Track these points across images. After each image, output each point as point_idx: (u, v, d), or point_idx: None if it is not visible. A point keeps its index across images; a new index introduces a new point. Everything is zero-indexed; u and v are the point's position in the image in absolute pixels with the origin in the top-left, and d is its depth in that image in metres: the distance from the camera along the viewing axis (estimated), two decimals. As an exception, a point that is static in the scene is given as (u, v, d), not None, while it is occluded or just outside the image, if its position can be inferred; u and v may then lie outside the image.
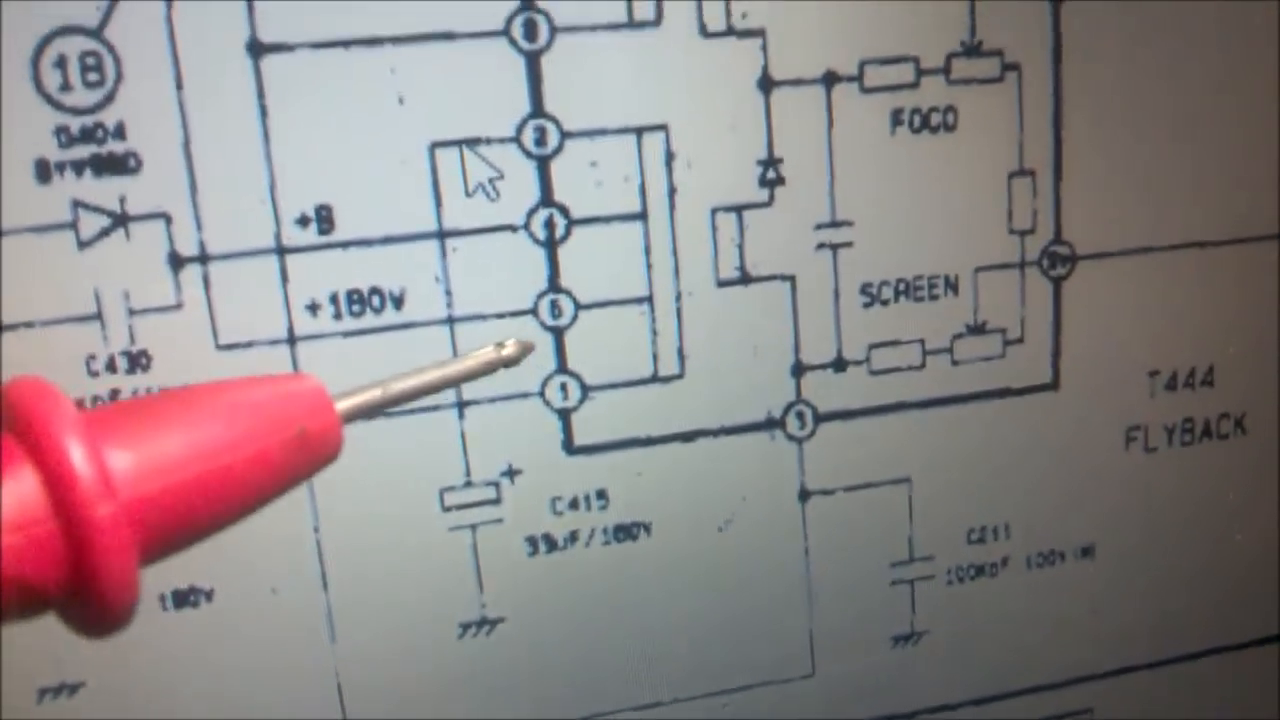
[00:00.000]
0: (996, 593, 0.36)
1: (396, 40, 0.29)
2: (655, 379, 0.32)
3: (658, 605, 0.34)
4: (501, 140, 0.30)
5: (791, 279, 0.33)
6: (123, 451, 0.15)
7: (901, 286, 0.33)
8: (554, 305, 0.31)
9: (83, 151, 0.28)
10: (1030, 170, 0.33)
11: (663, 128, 0.31)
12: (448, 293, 0.30)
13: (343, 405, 0.18)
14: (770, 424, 0.33)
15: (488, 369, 0.21)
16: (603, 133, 0.31)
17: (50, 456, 0.15)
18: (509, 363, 0.21)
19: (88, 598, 0.15)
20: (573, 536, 0.33)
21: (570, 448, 0.32)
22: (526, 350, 0.21)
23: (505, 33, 0.30)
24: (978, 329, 0.34)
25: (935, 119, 0.33)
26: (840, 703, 0.36)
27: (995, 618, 0.36)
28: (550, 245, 0.31)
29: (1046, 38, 0.33)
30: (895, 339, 0.34)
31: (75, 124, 0.28)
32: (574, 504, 0.33)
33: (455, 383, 0.20)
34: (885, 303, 0.33)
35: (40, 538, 0.15)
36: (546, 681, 0.33)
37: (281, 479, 0.17)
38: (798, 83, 0.32)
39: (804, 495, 0.34)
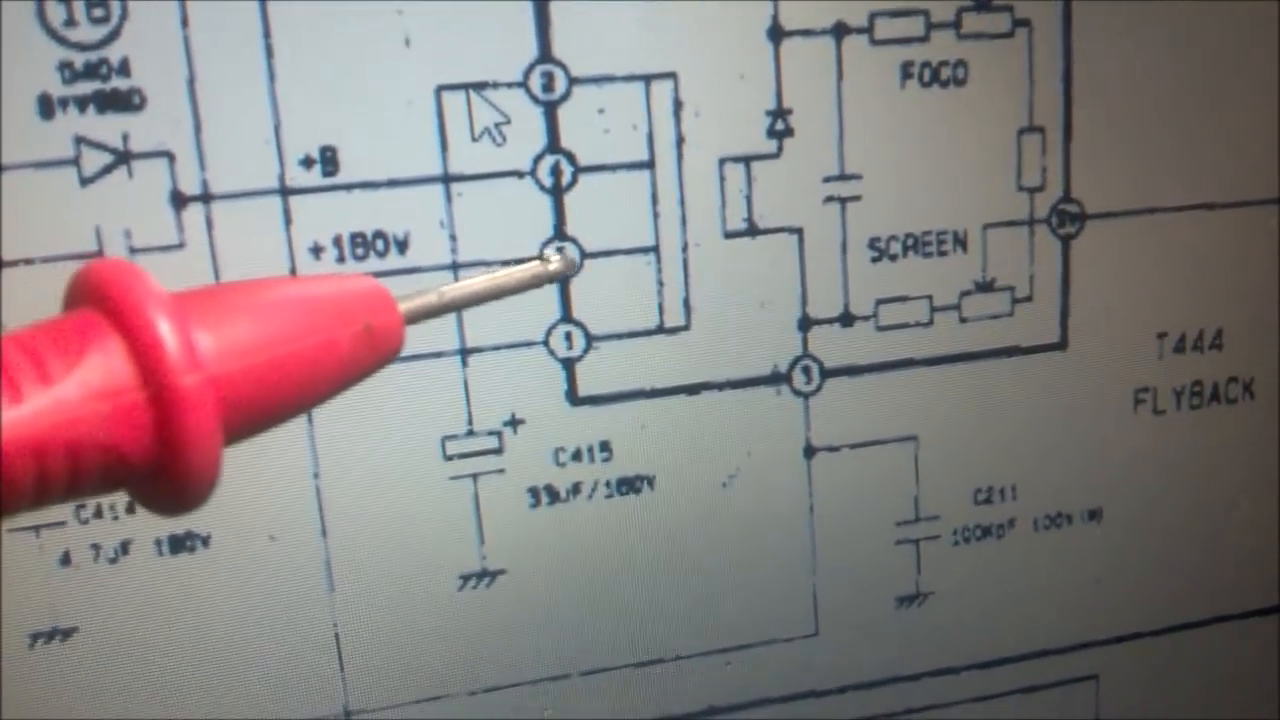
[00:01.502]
0: (1002, 555, 0.36)
1: (404, -20, 0.29)
2: (661, 330, 0.32)
3: (660, 560, 0.33)
4: (509, 85, 0.30)
5: (799, 231, 0.32)
6: (206, 331, 0.16)
7: (910, 241, 0.33)
8: (560, 253, 0.31)
9: (86, 88, 0.28)
10: (1040, 127, 0.33)
11: (671, 76, 0.31)
12: (452, 238, 0.30)
13: (405, 306, 0.18)
14: (776, 378, 0.33)
15: (535, 282, 0.21)
16: (611, 80, 0.30)
17: (138, 327, 0.15)
18: (554, 278, 0.21)
19: (172, 470, 0.15)
20: (575, 488, 0.32)
21: (574, 398, 0.32)
22: (570, 266, 0.21)
23: (514, -25, 0.29)
24: (986, 286, 0.34)
25: (945, 73, 0.32)
26: (844, 663, 0.35)
27: (1001, 580, 0.36)
28: (556, 192, 0.31)
29: (1058, -6, 0.33)
30: (903, 294, 0.33)
31: (79, 59, 0.28)
32: (577, 455, 0.32)
33: (504, 294, 0.20)
34: (893, 258, 0.33)
35: (128, 407, 0.15)
36: (546, 635, 0.33)
37: (349, 370, 0.17)
38: (808, 33, 0.31)
39: (809, 451, 0.34)
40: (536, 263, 0.21)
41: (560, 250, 0.22)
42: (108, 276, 0.15)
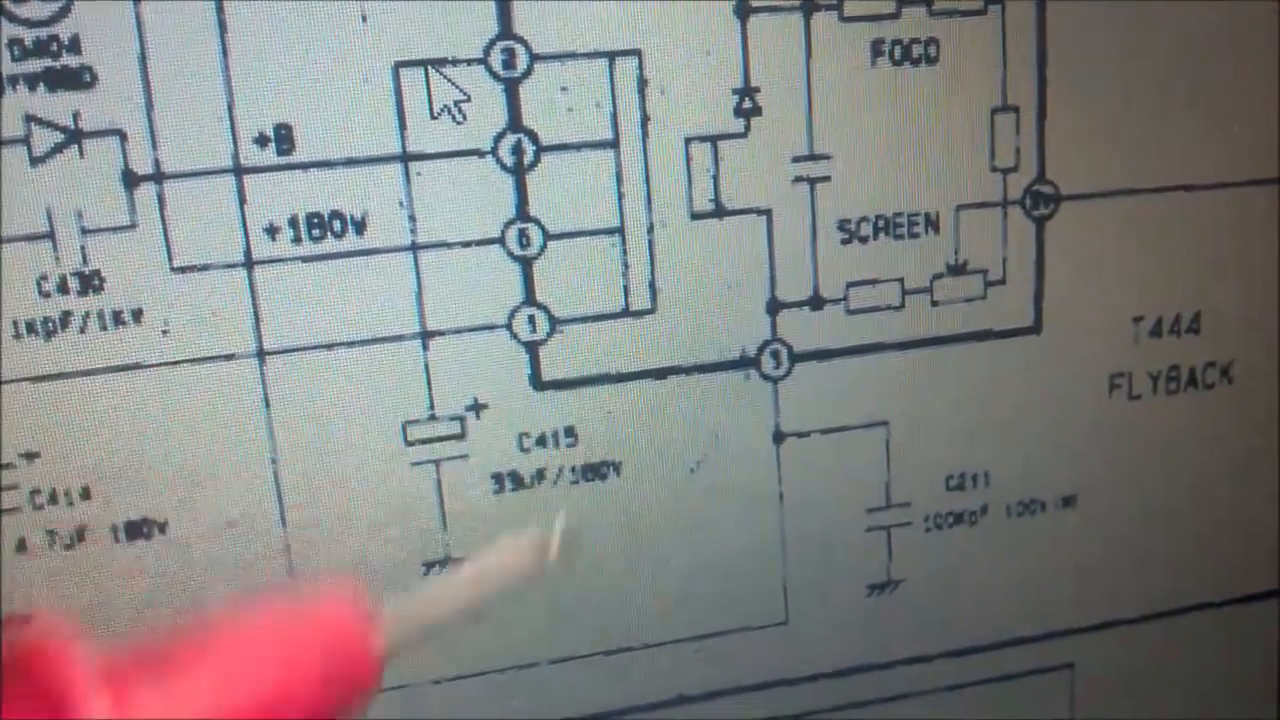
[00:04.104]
0: (975, 542, 0.35)
1: (361, -45, 0.28)
2: (626, 313, 0.31)
3: (626, 548, 0.33)
4: (468, 61, 0.29)
5: (768, 213, 0.32)
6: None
7: (880, 223, 0.32)
8: (522, 234, 0.30)
9: (36, 65, 0.27)
10: (1014, 106, 0.33)
11: (636, 53, 0.30)
12: (411, 218, 0.30)
13: (383, 639, 0.17)
14: (745, 362, 0.33)
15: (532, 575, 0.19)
16: (574, 56, 0.30)
17: None
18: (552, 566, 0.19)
19: None
20: (540, 474, 0.32)
21: (538, 383, 0.31)
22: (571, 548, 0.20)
23: (473, -50, 0.29)
24: (958, 269, 0.33)
25: (916, 51, 0.32)
26: (815, 652, 0.35)
27: (974, 567, 0.35)
28: (519, 172, 0.30)
29: (1031, -30, 0.32)
30: (874, 277, 0.33)
31: (29, 36, 0.27)
32: (541, 441, 0.32)
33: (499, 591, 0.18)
34: (864, 239, 0.32)
35: None
36: (511, 623, 0.32)
37: None
38: (775, 9, 0.31)
39: (779, 437, 0.33)
40: (525, 544, 0.19)
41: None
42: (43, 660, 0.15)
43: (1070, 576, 0.36)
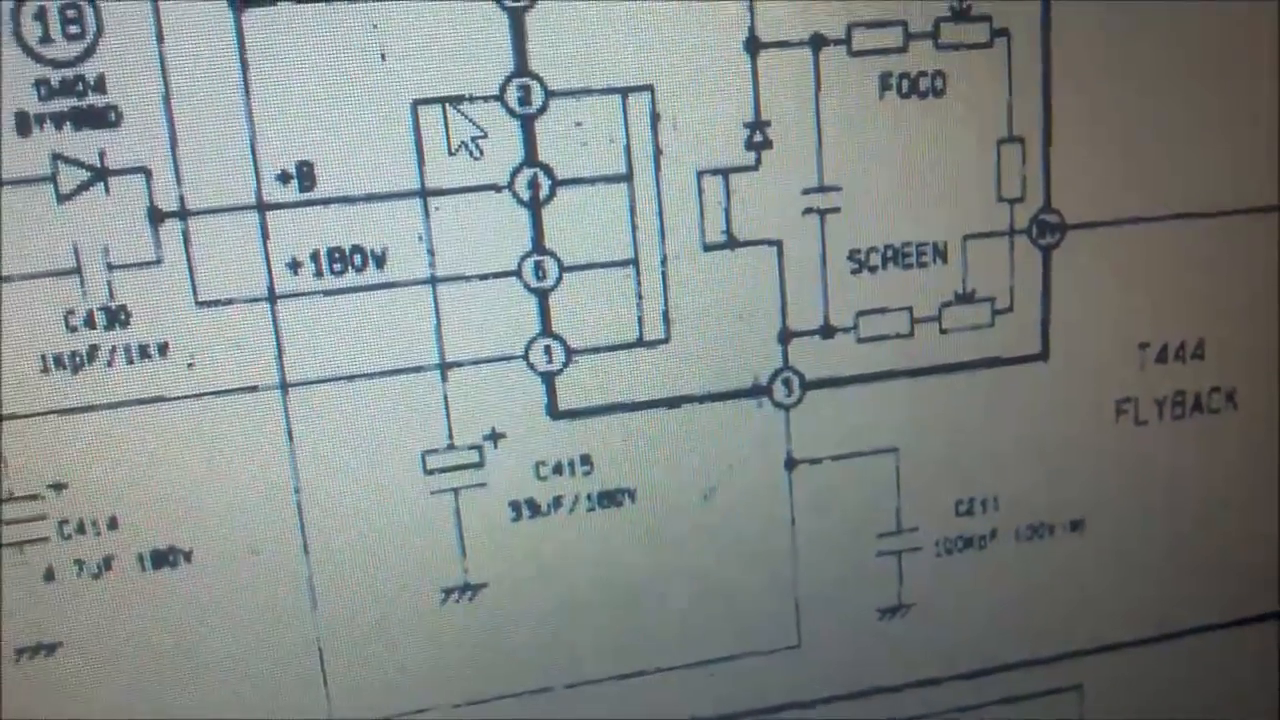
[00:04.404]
0: (985, 566, 0.36)
1: (380, -4, 0.29)
2: (640, 343, 0.32)
3: (642, 573, 0.33)
4: (485, 98, 0.30)
5: (778, 244, 0.32)
6: None
7: (889, 253, 0.33)
8: (538, 267, 0.31)
9: (63, 104, 0.28)
10: (1019, 137, 0.33)
11: (648, 88, 0.31)
12: (430, 252, 0.30)
13: None
14: (757, 391, 0.33)
15: None
16: (588, 92, 0.31)
17: None
18: None
19: None
20: (556, 502, 0.32)
21: (554, 412, 0.32)
22: None
23: (490, -11, 0.29)
24: (966, 297, 0.34)
25: (924, 84, 0.32)
26: (826, 674, 0.35)
27: (983, 591, 0.36)
28: (534, 206, 0.31)
29: (1036, 3, 0.33)
30: (883, 306, 0.33)
31: (55, 77, 0.28)
32: (558, 469, 0.32)
33: None
34: (873, 269, 0.33)
35: None
36: (528, 647, 0.33)
37: None
38: (784, 45, 0.31)
39: (790, 464, 0.34)
40: None
41: None
42: None
43: (1078, 599, 0.37)
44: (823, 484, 0.34)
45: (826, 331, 0.33)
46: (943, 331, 0.34)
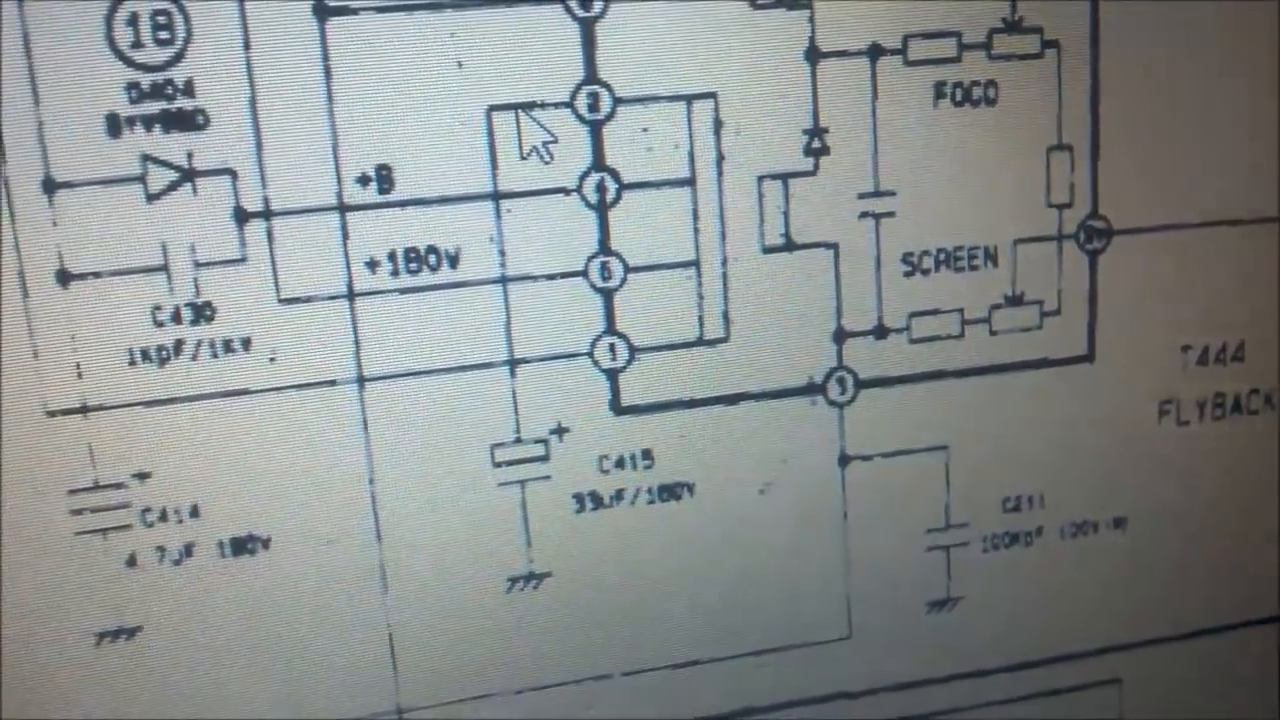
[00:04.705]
0: (1030, 561, 0.37)
1: (457, 6, 0.30)
2: (701, 342, 0.33)
3: (698, 565, 0.34)
4: (556, 105, 0.31)
5: (835, 247, 0.33)
6: None
7: (942, 256, 0.34)
8: (604, 267, 0.32)
9: (152, 107, 0.29)
10: (1068, 145, 0.34)
11: (712, 96, 0.32)
12: (501, 253, 0.31)
13: None
14: (812, 389, 0.34)
15: None
16: (654, 99, 0.32)
17: None
18: None
19: None
20: (618, 495, 0.33)
21: (617, 408, 0.33)
22: None
23: (562, 0, 0.30)
24: (1016, 300, 0.35)
25: (977, 93, 0.33)
26: (876, 666, 0.36)
27: (1028, 586, 0.37)
28: (601, 209, 0.32)
29: (1085, 16, 0.34)
30: (935, 308, 0.34)
31: (146, 80, 0.29)
32: (620, 463, 0.33)
33: None
34: (926, 272, 0.34)
35: None
36: (589, 636, 0.34)
37: None
38: (843, 55, 0.32)
39: (843, 460, 0.35)
40: None
41: None
42: None
43: (1120, 595, 0.38)
44: (875, 480, 0.35)
45: (880, 332, 0.34)
46: (992, 333, 0.35)
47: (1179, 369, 0.37)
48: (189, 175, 0.29)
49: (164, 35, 0.29)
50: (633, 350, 0.33)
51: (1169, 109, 0.35)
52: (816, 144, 0.33)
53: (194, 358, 0.30)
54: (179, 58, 0.29)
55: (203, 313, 0.30)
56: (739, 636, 0.35)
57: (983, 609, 0.37)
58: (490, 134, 0.31)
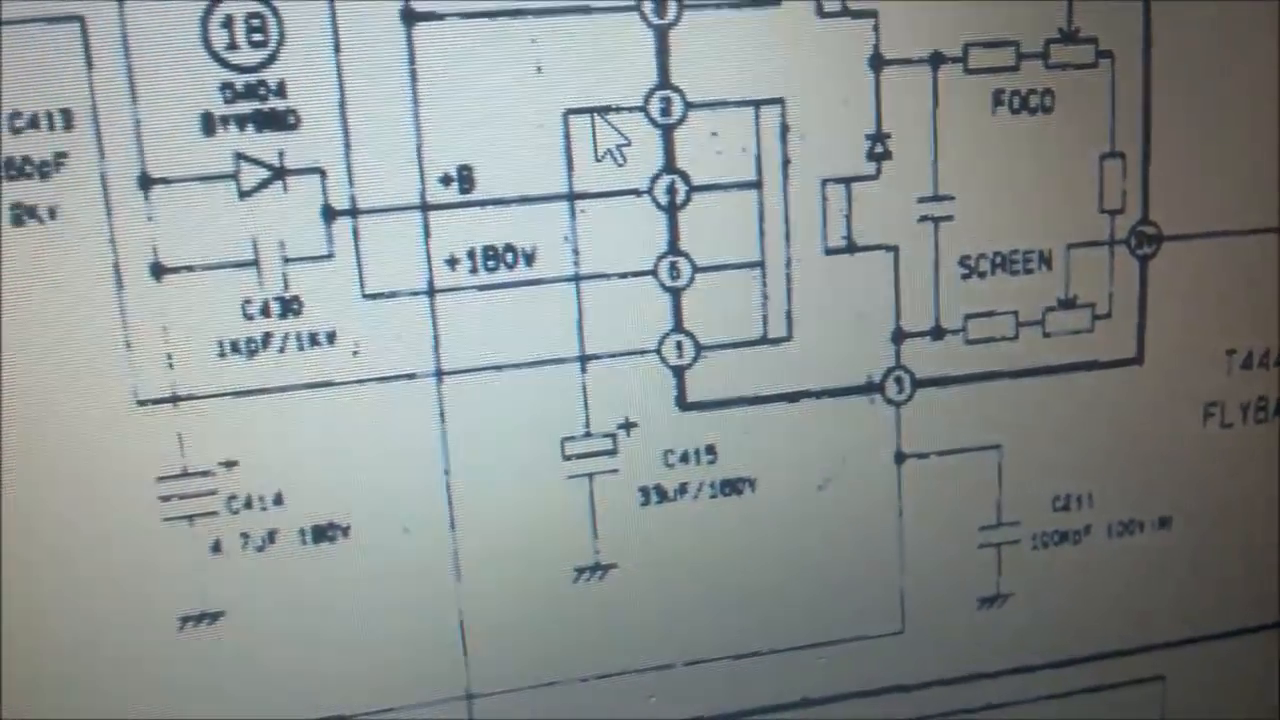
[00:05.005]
0: (1078, 559, 0.38)
1: (538, 13, 0.31)
2: (764, 340, 0.34)
3: (758, 558, 0.35)
4: (630, 109, 0.32)
5: (895, 249, 0.34)
6: None
7: (998, 260, 0.35)
8: (673, 267, 0.33)
9: (246, 107, 0.30)
10: (1121, 153, 0.35)
11: (779, 102, 0.33)
12: (575, 251, 0.32)
13: None
14: (870, 388, 0.35)
15: None
16: (723, 104, 0.33)
17: None
18: None
19: None
20: (682, 488, 0.34)
21: (683, 404, 0.34)
22: None
23: (637, 8, 0.32)
24: (1068, 303, 0.36)
25: (1033, 101, 0.34)
26: (928, 660, 0.37)
27: (1076, 583, 0.38)
28: (671, 210, 0.33)
29: (1138, 28, 0.35)
30: (990, 310, 0.35)
31: (240, 81, 0.30)
32: (684, 458, 0.34)
33: None
34: (982, 275, 0.35)
35: None
36: (653, 626, 0.35)
37: None
38: (906, 62, 0.33)
39: (900, 458, 0.36)
40: None
41: None
42: None
43: (1164, 593, 0.39)
44: (929, 477, 0.36)
45: (937, 333, 0.35)
46: (1045, 335, 0.36)
47: (1224, 372, 0.38)
48: (280, 173, 0.31)
49: (258, 37, 0.30)
50: (699, 348, 0.34)
51: (1219, 119, 0.36)
52: (879, 149, 0.34)
53: (281, 350, 0.31)
54: (272, 59, 0.30)
55: (290, 306, 0.31)
56: (796, 629, 0.36)
57: (1031, 605, 0.38)
58: (567, 136, 0.32)
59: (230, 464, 0.32)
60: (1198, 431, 0.38)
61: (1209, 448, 0.38)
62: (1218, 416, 0.38)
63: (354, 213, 0.31)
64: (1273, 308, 0.37)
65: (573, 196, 0.32)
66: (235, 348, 0.31)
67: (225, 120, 0.30)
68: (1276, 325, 0.38)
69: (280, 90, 0.30)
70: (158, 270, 0.30)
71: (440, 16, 0.31)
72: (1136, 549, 0.38)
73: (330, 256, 0.31)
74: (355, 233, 0.31)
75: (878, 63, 0.33)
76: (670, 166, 0.33)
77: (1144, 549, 0.38)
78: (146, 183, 0.30)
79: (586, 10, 0.31)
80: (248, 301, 0.31)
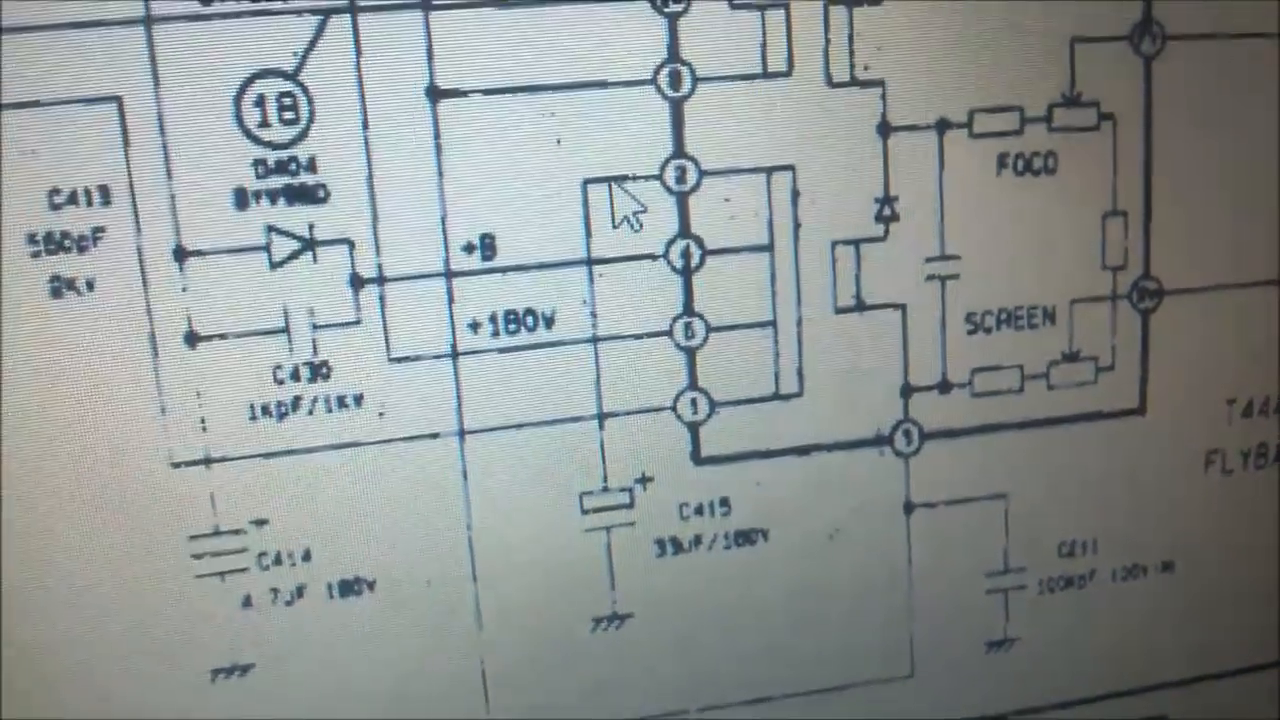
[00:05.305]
0: (1083, 603, 0.39)
1: (556, 88, 0.32)
2: (776, 396, 0.35)
3: (771, 607, 0.37)
4: (646, 177, 0.33)
5: (903, 307, 0.35)
6: None
7: (1003, 316, 0.36)
8: (688, 327, 0.34)
9: (277, 182, 0.31)
10: (1123, 211, 0.36)
11: (790, 168, 0.34)
12: (593, 314, 0.34)
13: None
14: (879, 440, 0.36)
15: None
16: (736, 172, 0.34)
17: None
18: None
19: None
20: (697, 540, 0.36)
21: (698, 458, 0.35)
22: None
23: (653, 81, 0.33)
24: (1072, 356, 0.37)
25: (1037, 163, 0.35)
26: (937, 703, 0.38)
27: (1082, 627, 0.39)
28: (686, 273, 0.34)
29: (1139, 91, 0.36)
30: (996, 364, 0.36)
31: (271, 157, 0.31)
32: (699, 510, 0.35)
33: None
34: (988, 330, 0.36)
35: None
36: (668, 674, 0.36)
37: None
38: (913, 128, 0.34)
39: (909, 508, 0.37)
40: None
41: None
42: None
43: (1168, 634, 0.40)
44: (938, 526, 0.37)
45: (944, 387, 0.36)
46: (1050, 387, 0.37)
47: (1224, 421, 0.39)
48: (310, 245, 0.32)
49: (289, 115, 0.31)
50: (713, 404, 0.35)
51: (1218, 178, 0.37)
52: (887, 211, 0.35)
53: (310, 413, 0.33)
54: (303, 136, 0.31)
55: (319, 371, 0.32)
56: (808, 674, 0.38)
57: (1038, 648, 0.39)
58: (585, 204, 0.33)
59: (261, 522, 0.33)
60: (1199, 478, 0.39)
61: (1210, 494, 0.39)
62: (1219, 464, 0.39)
63: (381, 280, 0.32)
64: (1273, 358, 0.38)
65: (591, 262, 0.33)
66: (266, 411, 0.32)
67: (257, 195, 0.31)
68: (1277, 375, 0.39)
69: (311, 165, 0.31)
70: (191, 338, 0.32)
71: (464, 93, 0.32)
72: (1140, 592, 0.39)
73: (358, 323, 0.32)
74: (382, 299, 0.32)
75: (885, 129, 0.34)
76: (685, 231, 0.34)
77: (1147, 592, 0.39)
78: (181, 255, 0.31)
79: (603, 85, 0.32)
80: (278, 367, 0.32)
